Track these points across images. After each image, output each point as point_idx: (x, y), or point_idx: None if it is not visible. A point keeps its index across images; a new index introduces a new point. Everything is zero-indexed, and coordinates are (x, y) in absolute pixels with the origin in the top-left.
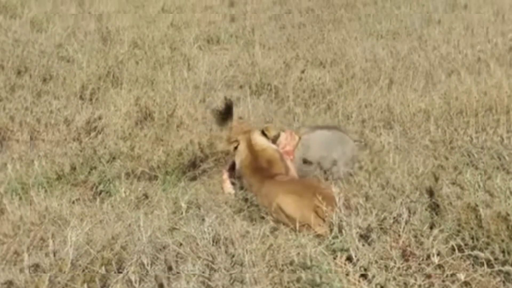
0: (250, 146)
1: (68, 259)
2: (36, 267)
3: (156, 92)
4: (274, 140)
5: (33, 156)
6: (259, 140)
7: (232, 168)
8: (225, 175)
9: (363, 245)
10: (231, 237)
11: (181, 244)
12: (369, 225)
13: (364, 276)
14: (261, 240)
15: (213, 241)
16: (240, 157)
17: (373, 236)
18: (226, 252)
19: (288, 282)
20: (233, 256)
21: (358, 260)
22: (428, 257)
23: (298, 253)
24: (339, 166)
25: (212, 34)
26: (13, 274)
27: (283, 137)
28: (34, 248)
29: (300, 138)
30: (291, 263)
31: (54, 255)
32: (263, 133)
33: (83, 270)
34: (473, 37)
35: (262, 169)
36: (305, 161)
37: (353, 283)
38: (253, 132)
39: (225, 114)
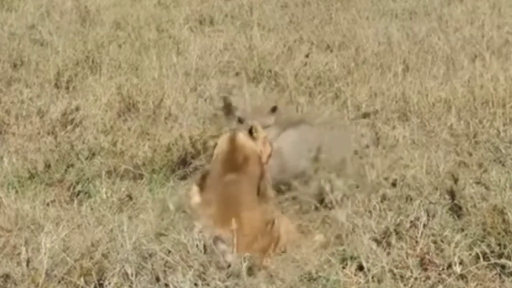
0: (232, 140)
1: (42, 269)
2: (6, 277)
3: (141, 80)
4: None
5: (1, 152)
6: (244, 139)
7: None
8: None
9: (376, 252)
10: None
11: (169, 252)
12: (383, 229)
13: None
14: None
15: (205, 249)
16: (216, 152)
17: (388, 242)
18: (218, 262)
19: None
20: (229, 266)
21: (370, 269)
22: (450, 266)
23: (300, 264)
24: (311, 166)
25: (205, 14)
26: None
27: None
28: (4, 256)
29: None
30: (294, 274)
31: (27, 264)
32: (250, 132)
33: (59, 282)
34: (500, 17)
35: (233, 162)
36: (282, 171)
37: None
38: (238, 131)
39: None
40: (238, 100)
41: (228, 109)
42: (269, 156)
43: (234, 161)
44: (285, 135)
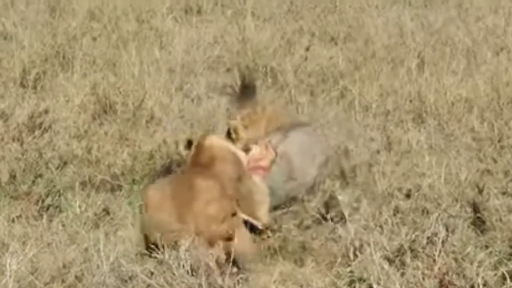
0: (199, 142)
1: None
2: None
3: (119, 78)
4: (246, 151)
5: None
6: (215, 140)
7: None
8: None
9: (388, 272)
10: (214, 265)
11: (152, 274)
12: (396, 246)
13: None
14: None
15: (191, 270)
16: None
17: (401, 261)
18: (208, 284)
19: None
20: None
21: None
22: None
23: (302, 286)
24: (321, 172)
25: (191, 2)
26: None
27: (256, 150)
28: None
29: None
30: None
31: None
32: (229, 134)
33: None
34: None
35: (197, 163)
36: (290, 178)
37: None
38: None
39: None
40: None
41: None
42: (272, 161)
43: (198, 161)
44: (291, 139)
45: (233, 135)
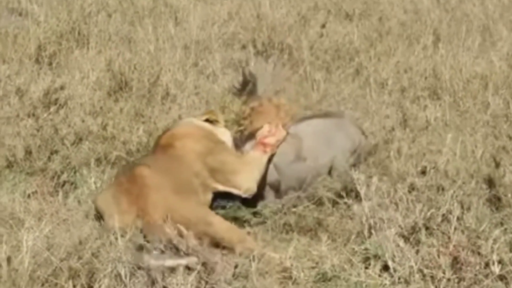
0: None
1: (24, 270)
2: None
3: (135, 54)
4: (252, 134)
5: None
6: (184, 120)
7: None
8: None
9: (403, 250)
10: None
11: (163, 252)
12: (411, 224)
13: None
14: (269, 246)
15: (208, 247)
16: None
17: (416, 238)
18: (222, 261)
19: None
20: (236, 266)
21: (396, 269)
22: (487, 265)
23: (317, 263)
24: (340, 160)
25: None
26: None
27: (265, 128)
28: None
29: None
30: (309, 274)
31: (9, 264)
32: (207, 119)
33: (43, 284)
34: None
35: (158, 144)
36: (298, 157)
37: None
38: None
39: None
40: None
41: (247, 82)
42: (280, 140)
43: (159, 142)
44: (307, 123)
45: (212, 118)
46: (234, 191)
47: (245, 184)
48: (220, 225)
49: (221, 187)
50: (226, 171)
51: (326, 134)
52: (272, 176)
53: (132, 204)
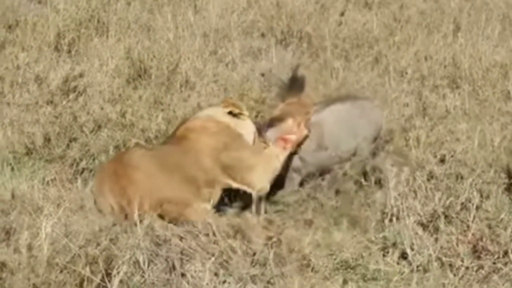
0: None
1: (42, 257)
2: (2, 266)
3: (154, 42)
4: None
5: None
6: (204, 112)
7: None
8: None
9: (422, 238)
10: (250, 229)
11: (181, 238)
12: (430, 212)
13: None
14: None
15: (227, 234)
16: None
17: (435, 226)
18: (244, 248)
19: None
20: (254, 253)
21: (415, 257)
22: (506, 253)
23: (336, 251)
24: (363, 147)
25: None
26: None
27: (288, 124)
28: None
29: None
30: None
31: (28, 250)
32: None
33: (62, 271)
34: None
35: (174, 134)
36: (320, 146)
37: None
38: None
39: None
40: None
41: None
42: (302, 138)
43: (175, 132)
44: (330, 110)
45: (235, 111)
46: (247, 189)
47: (259, 184)
48: (197, 212)
49: (234, 184)
50: (241, 168)
51: (348, 121)
52: (295, 164)
53: (115, 184)
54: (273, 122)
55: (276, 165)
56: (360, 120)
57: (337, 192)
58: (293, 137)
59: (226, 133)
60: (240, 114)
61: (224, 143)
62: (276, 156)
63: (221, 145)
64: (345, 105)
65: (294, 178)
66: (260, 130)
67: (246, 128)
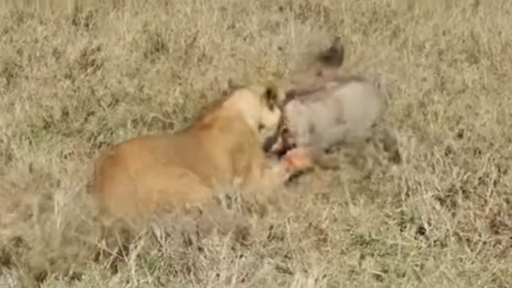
0: (220, 101)
1: (57, 231)
2: (17, 240)
3: (171, 16)
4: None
5: (13, 98)
6: (236, 103)
7: None
8: None
9: (439, 213)
10: (266, 204)
11: (201, 212)
12: (448, 186)
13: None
14: (304, 209)
15: (243, 209)
16: None
17: (453, 201)
18: (258, 223)
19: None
20: (271, 227)
21: (432, 232)
22: None
23: (353, 225)
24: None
25: None
26: None
27: (300, 151)
28: (16, 216)
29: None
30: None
31: (44, 224)
32: (268, 94)
33: (78, 244)
34: None
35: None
36: (338, 120)
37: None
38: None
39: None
40: None
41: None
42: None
43: (200, 118)
44: (350, 87)
45: (274, 95)
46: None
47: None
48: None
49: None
50: (245, 176)
51: (365, 98)
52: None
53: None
54: (292, 94)
55: (274, 187)
56: (373, 100)
57: (354, 166)
58: (299, 163)
59: (246, 138)
60: (275, 97)
61: (240, 145)
62: (277, 179)
63: (238, 147)
64: (360, 84)
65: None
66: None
67: (272, 119)
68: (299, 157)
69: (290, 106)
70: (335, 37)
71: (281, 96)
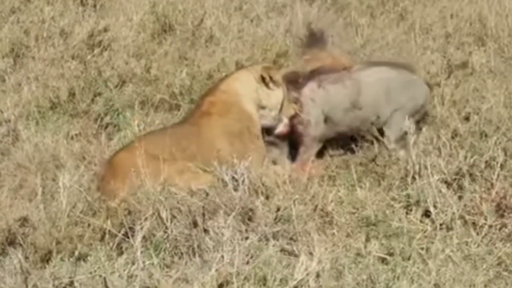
0: (219, 84)
1: (63, 211)
2: (23, 221)
3: None
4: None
5: (20, 78)
6: (234, 85)
7: None
8: None
9: (445, 196)
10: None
11: (207, 195)
12: (454, 170)
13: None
14: (310, 191)
15: (249, 190)
16: None
17: (459, 184)
18: (267, 204)
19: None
20: (277, 209)
21: (438, 215)
22: None
23: (358, 208)
24: (397, 118)
25: None
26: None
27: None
28: (22, 197)
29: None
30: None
31: (50, 204)
32: (263, 74)
33: (83, 226)
34: None
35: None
36: (354, 105)
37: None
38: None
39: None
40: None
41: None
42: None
43: (198, 106)
44: (371, 72)
45: (266, 79)
46: None
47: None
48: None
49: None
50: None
51: (389, 88)
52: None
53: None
54: (312, 74)
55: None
56: (402, 90)
57: (361, 148)
58: (313, 171)
59: (246, 126)
60: (270, 82)
61: (240, 131)
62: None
63: (237, 132)
64: (391, 72)
65: (314, 147)
66: (298, 86)
67: (273, 98)
68: (314, 167)
69: (307, 91)
70: (308, 23)
71: (276, 76)
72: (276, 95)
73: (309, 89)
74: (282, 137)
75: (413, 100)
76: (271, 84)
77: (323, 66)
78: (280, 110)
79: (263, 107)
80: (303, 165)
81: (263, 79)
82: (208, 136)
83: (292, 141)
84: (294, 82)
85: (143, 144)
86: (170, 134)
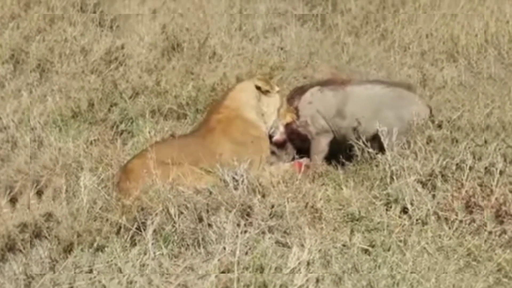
0: (228, 92)
1: (83, 208)
2: (48, 216)
3: (185, 19)
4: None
5: (45, 90)
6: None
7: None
8: None
9: (421, 194)
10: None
11: (211, 193)
12: (429, 171)
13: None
14: (301, 190)
15: (248, 189)
16: None
17: (433, 184)
18: (263, 201)
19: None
20: (272, 206)
21: (414, 212)
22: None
23: (344, 205)
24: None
25: None
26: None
27: (306, 160)
28: (47, 195)
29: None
30: (337, 215)
31: (72, 202)
32: (259, 83)
33: (101, 221)
34: None
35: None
36: (339, 113)
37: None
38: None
39: None
40: None
41: None
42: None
43: (206, 122)
44: (366, 87)
45: (263, 88)
46: None
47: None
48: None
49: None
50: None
51: (379, 105)
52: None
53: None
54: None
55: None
56: (392, 110)
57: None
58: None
59: (248, 132)
60: (267, 91)
61: (243, 139)
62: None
63: (240, 140)
64: (385, 89)
65: (322, 140)
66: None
67: (271, 104)
68: (313, 165)
69: (308, 94)
70: None
71: (270, 84)
72: (273, 100)
73: (310, 93)
74: (279, 144)
75: (405, 118)
76: (268, 90)
77: (331, 78)
78: (277, 116)
79: (262, 114)
80: (301, 164)
81: (258, 87)
82: (213, 149)
83: (303, 146)
84: (301, 90)
85: (154, 151)
86: (178, 143)
